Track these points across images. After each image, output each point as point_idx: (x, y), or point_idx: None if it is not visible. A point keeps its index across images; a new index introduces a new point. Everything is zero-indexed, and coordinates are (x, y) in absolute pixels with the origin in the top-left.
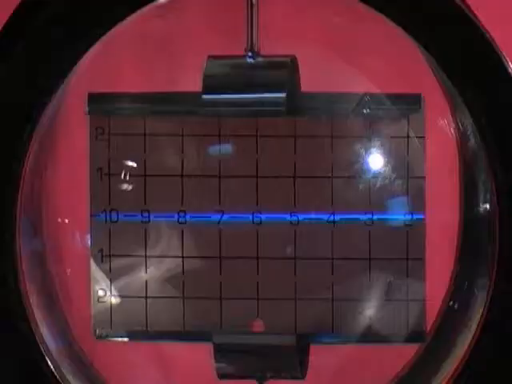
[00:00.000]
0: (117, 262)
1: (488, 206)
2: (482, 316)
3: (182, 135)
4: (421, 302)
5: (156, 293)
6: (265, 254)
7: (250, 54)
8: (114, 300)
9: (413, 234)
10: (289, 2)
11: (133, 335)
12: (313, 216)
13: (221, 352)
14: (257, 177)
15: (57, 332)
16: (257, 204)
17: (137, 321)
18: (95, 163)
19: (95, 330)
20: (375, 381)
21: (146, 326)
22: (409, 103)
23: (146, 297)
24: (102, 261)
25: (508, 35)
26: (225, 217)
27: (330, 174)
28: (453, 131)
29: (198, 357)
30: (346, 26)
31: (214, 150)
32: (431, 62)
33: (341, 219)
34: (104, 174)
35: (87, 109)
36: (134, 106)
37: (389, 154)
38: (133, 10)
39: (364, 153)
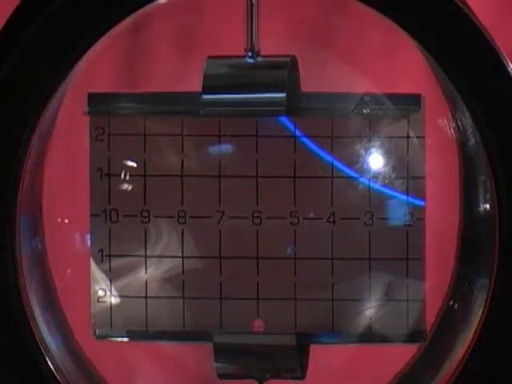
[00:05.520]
0: (117, 262)
1: (488, 206)
2: (482, 316)
3: (182, 135)
4: (421, 302)
5: (156, 293)
6: (265, 253)
7: (249, 54)
8: (114, 300)
9: (413, 234)
10: (289, 2)
11: (133, 335)
12: (313, 216)
13: (221, 352)
14: (257, 177)
15: (57, 332)
16: (257, 204)
17: (137, 321)
18: (95, 163)
19: (95, 330)
20: (375, 381)
21: (146, 326)
22: (409, 103)
23: (146, 297)
24: (102, 261)
25: (508, 35)
26: (225, 217)
27: (330, 174)
28: (453, 131)
29: (198, 357)
30: (345, 25)
31: (214, 150)
32: (431, 62)
33: (341, 219)
34: (104, 174)
35: (87, 109)
36: (134, 106)
37: (389, 154)
38: (133, 10)
39: (364, 153)
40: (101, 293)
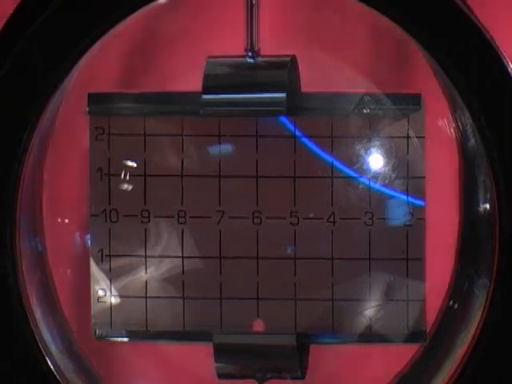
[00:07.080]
0: (117, 262)
1: (488, 205)
2: (482, 316)
3: (182, 135)
4: (421, 302)
5: (156, 293)
6: (265, 253)
7: (249, 53)
8: (114, 300)
9: (413, 234)
10: (288, 3)
11: (133, 335)
12: (313, 216)
13: (221, 352)
14: (257, 177)
15: (57, 332)
16: (257, 204)
17: (137, 321)
18: (95, 163)
19: (95, 330)
20: (375, 381)
21: (146, 326)
22: (409, 103)
23: (146, 297)
24: (102, 261)
25: (508, 35)
26: (225, 217)
27: (330, 174)
28: (453, 131)
29: (198, 357)
30: (345, 25)
31: (214, 150)
32: (431, 62)
33: (341, 219)
34: (104, 174)
35: (87, 109)
36: (133, 106)
37: (389, 154)
38: (133, 10)
39: (364, 153)
40: (101, 293)
